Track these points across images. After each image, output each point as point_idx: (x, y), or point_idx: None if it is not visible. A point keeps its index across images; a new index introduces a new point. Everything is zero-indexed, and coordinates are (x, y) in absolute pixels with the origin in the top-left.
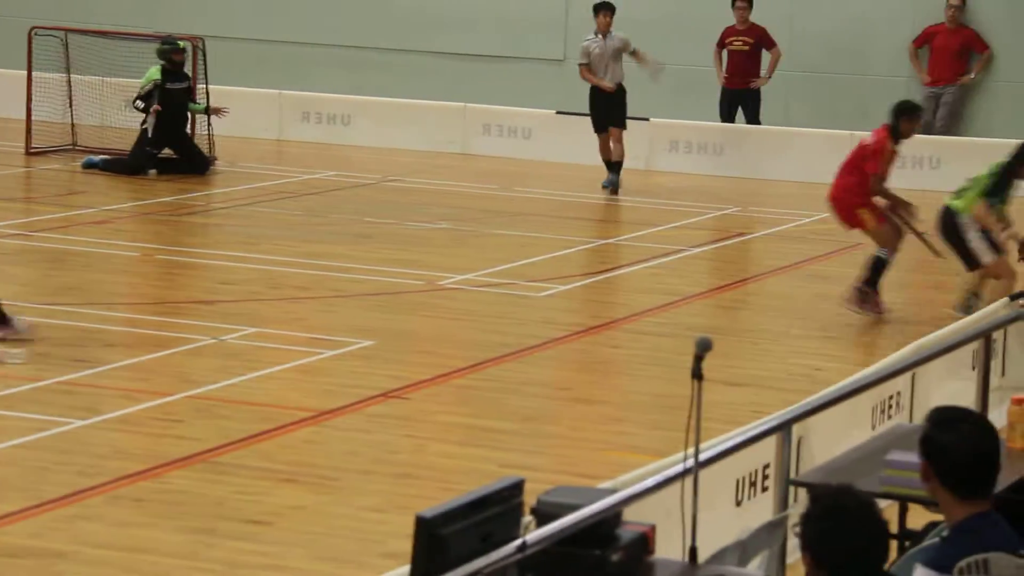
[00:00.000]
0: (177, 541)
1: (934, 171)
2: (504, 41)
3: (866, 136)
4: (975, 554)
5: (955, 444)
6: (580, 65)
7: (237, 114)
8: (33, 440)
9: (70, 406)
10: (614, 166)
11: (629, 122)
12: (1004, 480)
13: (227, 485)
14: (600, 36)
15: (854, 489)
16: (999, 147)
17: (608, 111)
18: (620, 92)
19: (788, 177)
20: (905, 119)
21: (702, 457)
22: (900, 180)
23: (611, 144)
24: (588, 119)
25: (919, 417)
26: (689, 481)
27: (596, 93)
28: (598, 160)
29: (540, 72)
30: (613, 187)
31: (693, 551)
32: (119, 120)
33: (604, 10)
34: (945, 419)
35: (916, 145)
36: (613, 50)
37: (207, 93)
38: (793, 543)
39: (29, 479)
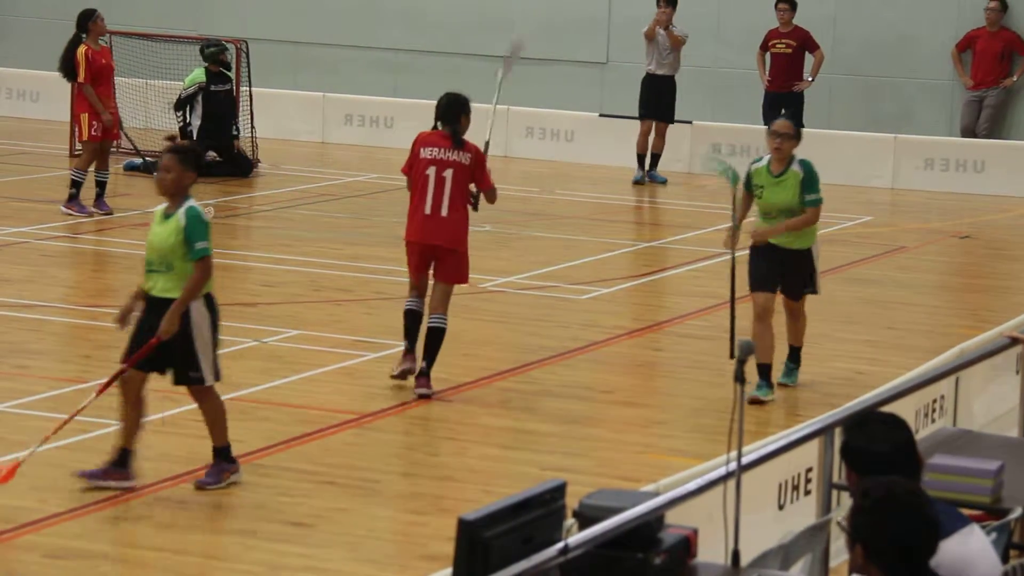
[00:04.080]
0: (219, 543)
1: (978, 175)
2: (547, 43)
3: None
4: None
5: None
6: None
7: (280, 117)
8: (77, 442)
9: (113, 408)
10: (653, 159)
11: (672, 126)
12: None
13: (269, 487)
14: (658, 30)
15: (904, 481)
16: None
17: (659, 103)
18: (671, 85)
19: (830, 180)
20: None
21: (744, 460)
22: (944, 184)
23: (650, 138)
24: (630, 122)
25: (963, 421)
26: (732, 484)
27: (652, 80)
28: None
29: (583, 75)
30: (640, 177)
31: (736, 555)
32: (162, 122)
33: (665, 2)
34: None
35: (960, 148)
36: (669, 44)
37: (250, 96)
38: (836, 547)
39: (74, 481)
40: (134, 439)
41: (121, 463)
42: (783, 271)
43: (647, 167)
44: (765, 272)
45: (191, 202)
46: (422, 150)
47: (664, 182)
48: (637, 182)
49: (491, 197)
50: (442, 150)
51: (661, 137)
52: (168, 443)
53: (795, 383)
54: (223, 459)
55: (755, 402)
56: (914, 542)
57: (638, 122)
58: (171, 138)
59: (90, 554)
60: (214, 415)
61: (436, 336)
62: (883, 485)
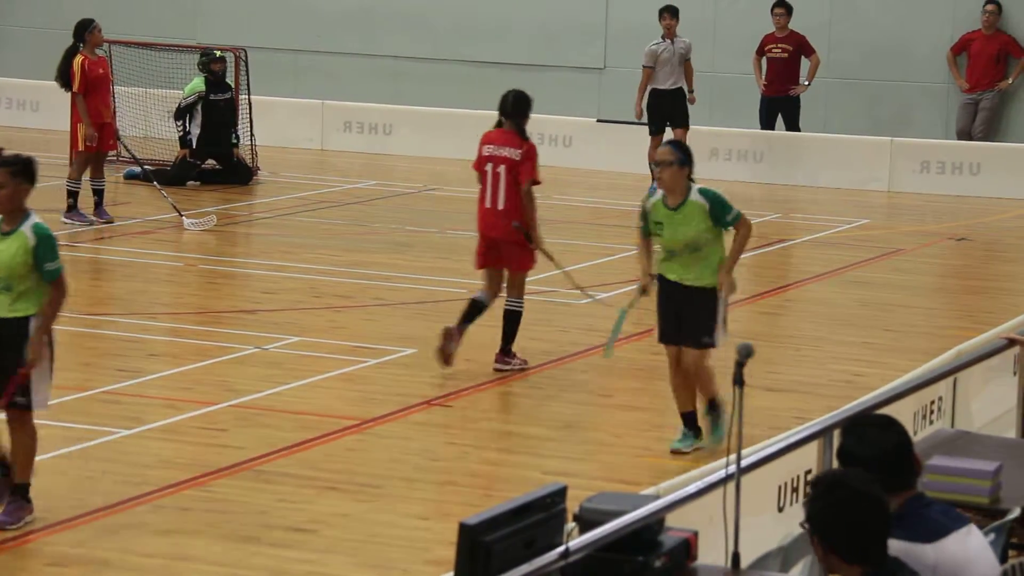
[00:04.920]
0: (221, 549)
1: (974, 177)
2: (544, 49)
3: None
4: None
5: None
6: (644, 67)
7: (279, 124)
8: (79, 450)
9: (115, 416)
10: None
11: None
12: None
13: (271, 493)
14: (668, 40)
15: (855, 471)
16: None
17: (672, 112)
18: (681, 94)
19: (828, 184)
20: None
21: (744, 463)
22: (941, 187)
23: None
24: (628, 127)
25: (961, 423)
26: (731, 487)
27: (657, 94)
28: (637, 167)
29: (580, 80)
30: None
31: (736, 557)
32: (162, 131)
33: (668, 13)
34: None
35: (956, 151)
36: (679, 54)
37: (249, 104)
38: None
39: (75, 489)
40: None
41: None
42: (682, 313)
43: None
44: (670, 320)
45: (36, 218)
46: (483, 147)
47: None
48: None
49: (529, 196)
50: (497, 147)
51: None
52: (169, 450)
53: (720, 437)
54: (22, 497)
55: (676, 452)
56: (864, 523)
57: (635, 127)
58: None
59: (92, 560)
60: (29, 447)
61: (509, 318)
62: (831, 473)
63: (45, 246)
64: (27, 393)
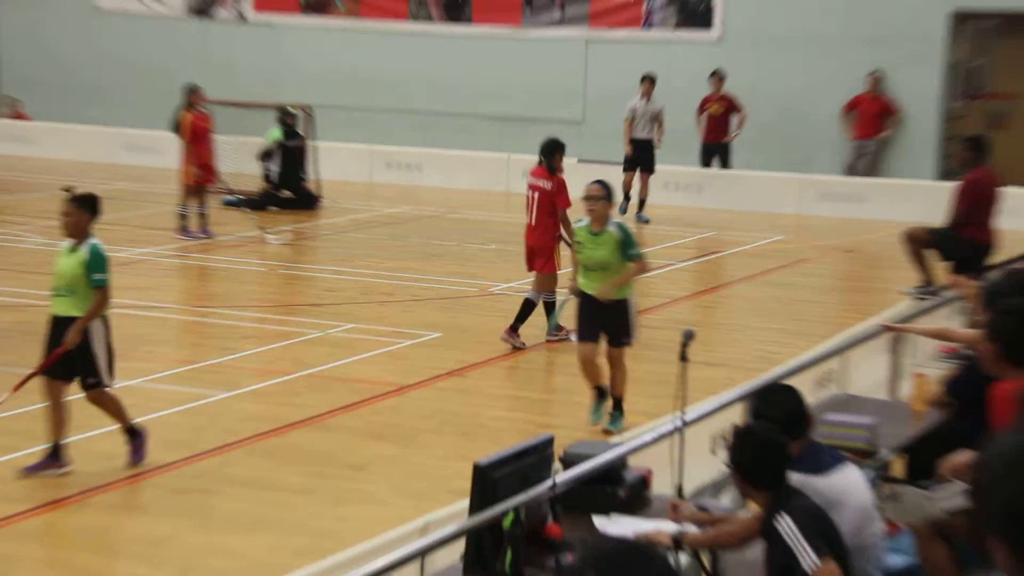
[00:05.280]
0: (298, 481)
1: (861, 204)
2: (536, 107)
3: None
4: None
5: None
6: (625, 120)
7: (337, 164)
8: (191, 408)
9: (217, 383)
10: (640, 203)
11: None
12: (908, 434)
13: (333, 440)
14: (644, 99)
15: (760, 423)
16: (909, 185)
17: (642, 157)
18: (651, 144)
19: (751, 209)
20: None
21: (687, 419)
22: (836, 212)
23: (635, 182)
24: (602, 165)
25: (848, 388)
26: (677, 437)
27: (636, 142)
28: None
29: (564, 130)
30: (624, 210)
31: (680, 488)
32: (250, 169)
33: (648, 80)
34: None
35: (848, 185)
36: (653, 112)
37: (315, 148)
38: None
39: (189, 437)
40: (62, 434)
41: (54, 455)
42: (604, 321)
43: (637, 209)
44: (588, 325)
45: (94, 240)
46: (527, 179)
47: (647, 221)
48: (622, 212)
49: (565, 219)
50: (534, 179)
51: (645, 185)
52: (258, 409)
53: (619, 429)
54: (135, 438)
55: (607, 432)
56: (767, 460)
57: (608, 165)
58: (67, 189)
59: (203, 490)
60: (115, 409)
61: (525, 304)
62: (746, 426)
63: (96, 261)
64: (95, 375)
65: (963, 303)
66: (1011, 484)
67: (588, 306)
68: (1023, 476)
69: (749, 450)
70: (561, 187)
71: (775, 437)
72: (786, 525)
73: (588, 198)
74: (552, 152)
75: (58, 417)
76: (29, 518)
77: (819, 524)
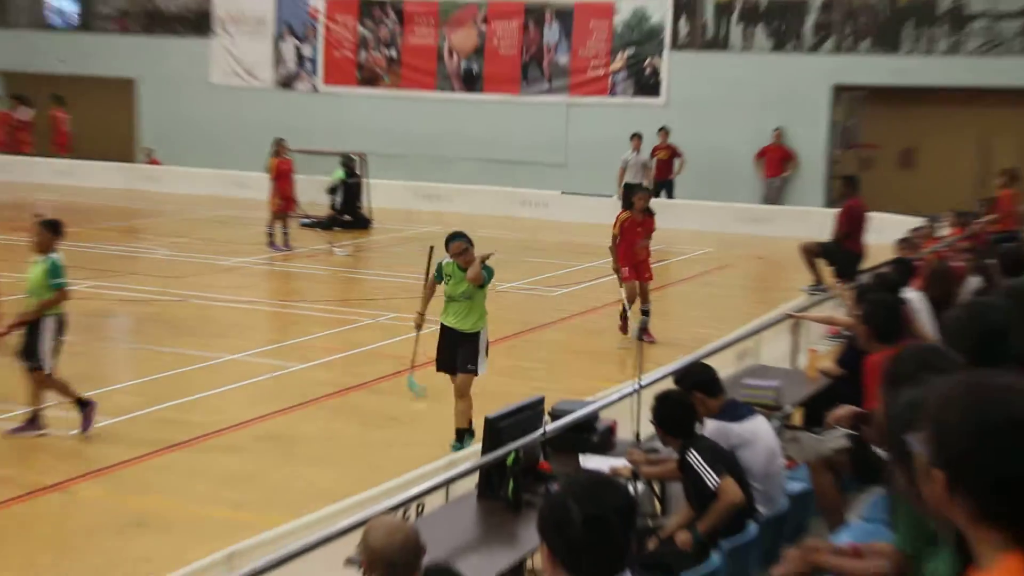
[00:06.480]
0: (356, 431)
1: (771, 224)
2: (529, 152)
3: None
4: None
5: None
6: (619, 168)
7: (385, 195)
8: (274, 376)
9: (294, 357)
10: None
11: (605, 197)
12: (804, 393)
13: (383, 400)
14: (635, 153)
15: (677, 389)
16: (804, 211)
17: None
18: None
19: (691, 228)
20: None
21: (643, 382)
22: (752, 230)
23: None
24: (582, 196)
25: (760, 360)
26: (635, 397)
27: (628, 186)
28: (593, 219)
29: (551, 171)
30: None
31: (637, 435)
32: (321, 200)
33: (636, 137)
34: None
35: (761, 211)
36: (642, 162)
37: (368, 184)
38: None
39: (272, 397)
40: (39, 402)
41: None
42: (455, 349)
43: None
44: (444, 354)
45: (55, 255)
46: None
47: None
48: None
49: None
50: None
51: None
52: (324, 376)
53: (458, 449)
54: (85, 408)
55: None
56: (675, 416)
57: (586, 197)
58: (37, 215)
59: (284, 438)
60: (59, 386)
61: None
62: (666, 391)
63: (54, 270)
64: (37, 360)
65: (841, 300)
66: (958, 426)
67: (445, 336)
68: (957, 416)
69: (665, 410)
70: (616, 219)
71: (685, 399)
72: (694, 458)
73: (456, 254)
74: (626, 198)
75: (35, 390)
76: (157, 456)
77: (718, 455)
